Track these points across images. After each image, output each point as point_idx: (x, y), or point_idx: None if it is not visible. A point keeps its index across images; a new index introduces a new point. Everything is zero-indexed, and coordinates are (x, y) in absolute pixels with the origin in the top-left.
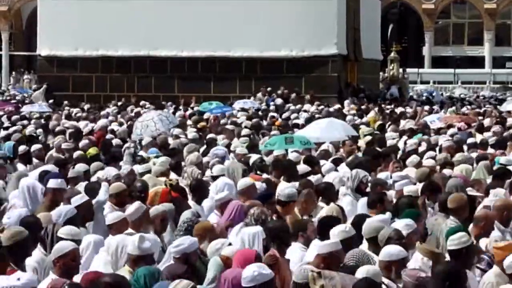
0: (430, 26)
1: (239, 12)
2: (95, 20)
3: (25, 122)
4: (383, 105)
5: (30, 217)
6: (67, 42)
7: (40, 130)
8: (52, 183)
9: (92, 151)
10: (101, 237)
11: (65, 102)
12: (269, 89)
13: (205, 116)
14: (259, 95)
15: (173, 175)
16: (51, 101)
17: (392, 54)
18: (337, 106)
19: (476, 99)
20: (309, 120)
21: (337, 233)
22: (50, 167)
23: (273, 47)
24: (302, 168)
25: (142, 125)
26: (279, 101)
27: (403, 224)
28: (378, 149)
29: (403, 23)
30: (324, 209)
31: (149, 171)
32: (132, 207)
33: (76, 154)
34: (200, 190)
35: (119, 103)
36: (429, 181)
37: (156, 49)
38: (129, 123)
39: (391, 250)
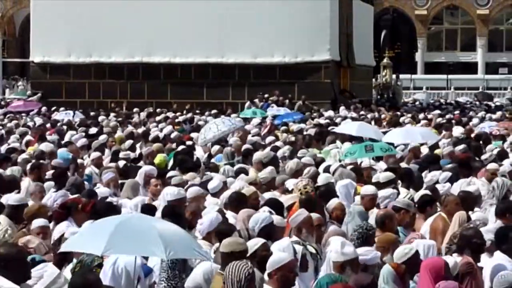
0: (422, 32)
1: (232, 18)
2: (87, 27)
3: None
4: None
5: (223, 224)
6: (60, 48)
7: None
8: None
9: (162, 159)
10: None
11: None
12: (266, 95)
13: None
14: (256, 101)
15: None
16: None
17: (385, 60)
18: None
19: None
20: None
21: None
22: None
23: (266, 54)
24: (387, 175)
25: (205, 129)
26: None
27: None
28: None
29: (396, 29)
30: (455, 216)
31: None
32: (295, 214)
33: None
34: (329, 195)
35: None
36: None
37: (149, 55)
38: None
39: None
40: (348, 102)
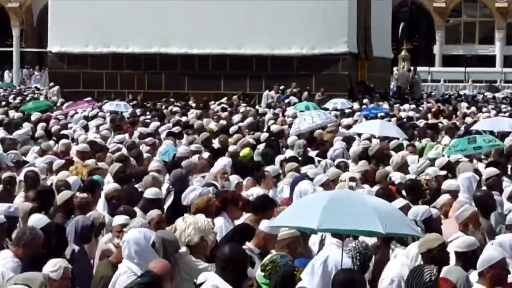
0: (441, 24)
1: (250, 9)
2: (105, 17)
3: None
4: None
5: None
6: (78, 38)
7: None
8: None
9: (249, 152)
10: None
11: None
12: (282, 87)
13: None
14: (272, 93)
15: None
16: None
17: (403, 53)
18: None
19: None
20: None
21: None
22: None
23: (283, 45)
24: (490, 171)
25: (300, 119)
26: (293, 99)
27: None
28: None
29: (414, 22)
30: None
31: None
32: (462, 209)
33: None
34: (416, 189)
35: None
36: None
37: (166, 46)
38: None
39: None
40: (364, 95)
